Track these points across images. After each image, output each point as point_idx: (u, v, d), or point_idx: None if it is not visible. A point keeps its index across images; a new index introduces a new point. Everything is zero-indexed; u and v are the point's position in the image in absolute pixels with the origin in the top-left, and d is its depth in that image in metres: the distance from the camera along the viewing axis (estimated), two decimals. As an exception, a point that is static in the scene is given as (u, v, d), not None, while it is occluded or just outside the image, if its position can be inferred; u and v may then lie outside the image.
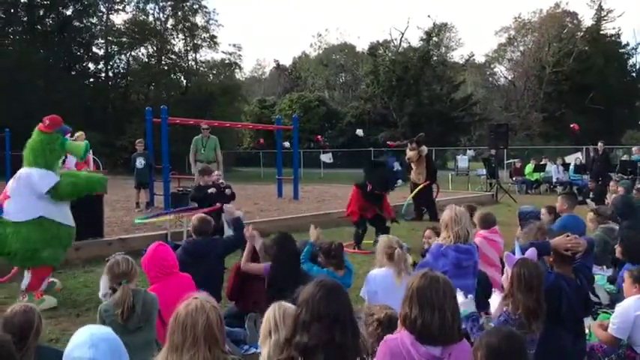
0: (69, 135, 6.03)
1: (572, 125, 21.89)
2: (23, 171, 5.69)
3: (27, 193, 5.57)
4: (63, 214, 5.81)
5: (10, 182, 5.72)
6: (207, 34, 42.48)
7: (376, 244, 4.57)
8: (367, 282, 4.22)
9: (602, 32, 44.88)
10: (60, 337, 4.62)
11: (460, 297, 3.33)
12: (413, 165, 12.06)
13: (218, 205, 7.51)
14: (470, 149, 25.54)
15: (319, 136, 32.94)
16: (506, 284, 3.26)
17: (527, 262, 3.19)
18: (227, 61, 44.23)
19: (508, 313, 3.11)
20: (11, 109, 29.55)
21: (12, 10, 35.47)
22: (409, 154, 11.95)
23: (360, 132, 23.35)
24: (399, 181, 8.89)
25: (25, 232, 5.48)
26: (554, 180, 19.14)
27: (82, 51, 39.43)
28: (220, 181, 8.78)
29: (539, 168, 19.90)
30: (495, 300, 3.53)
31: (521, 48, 49.58)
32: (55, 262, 5.90)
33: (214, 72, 44.66)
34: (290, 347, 2.31)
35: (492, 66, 55.81)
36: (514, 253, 3.41)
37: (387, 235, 4.43)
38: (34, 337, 2.68)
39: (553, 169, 19.29)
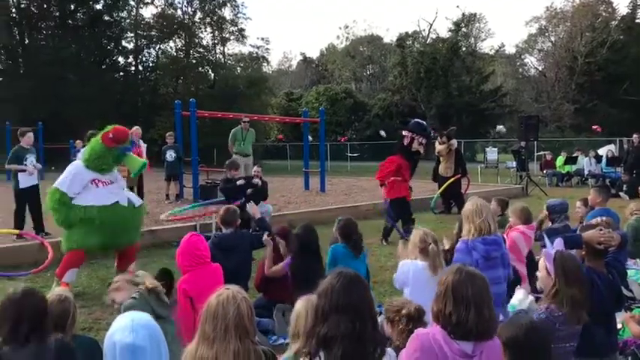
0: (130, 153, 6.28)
1: (594, 127, 21.56)
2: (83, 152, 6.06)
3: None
4: (94, 198, 5.87)
5: None
6: (235, 28, 42.74)
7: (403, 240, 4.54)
8: (402, 270, 4.17)
9: (637, 21, 43.67)
10: (92, 326, 4.73)
11: (520, 294, 3.31)
12: (442, 158, 11.96)
13: (244, 199, 7.57)
14: (501, 125, 25.11)
15: (344, 137, 32.80)
16: (547, 282, 3.17)
17: (565, 254, 3.13)
18: (254, 55, 44.41)
19: (550, 310, 3.02)
20: (44, 104, 30.18)
21: (45, 6, 36.16)
22: (438, 147, 11.85)
23: (383, 133, 23.24)
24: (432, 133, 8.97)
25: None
26: (585, 172, 18.76)
27: (112, 45, 40.05)
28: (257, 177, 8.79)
29: (570, 160, 19.54)
30: (518, 296, 3.46)
31: (553, 38, 48.56)
32: (79, 246, 5.86)
33: (242, 65, 44.90)
34: (311, 338, 2.32)
35: (523, 57, 54.87)
36: (544, 245, 3.35)
37: (422, 228, 4.34)
38: (71, 325, 2.76)
39: (585, 162, 18.91)
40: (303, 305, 2.70)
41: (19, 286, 2.65)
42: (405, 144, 8.69)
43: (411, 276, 4.06)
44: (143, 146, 11.28)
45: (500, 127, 23.12)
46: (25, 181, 8.48)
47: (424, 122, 9.01)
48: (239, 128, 12.42)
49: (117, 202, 5.87)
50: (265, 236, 4.91)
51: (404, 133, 8.75)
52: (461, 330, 2.32)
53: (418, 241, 4.15)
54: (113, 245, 6.18)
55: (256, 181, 8.42)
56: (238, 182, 8.05)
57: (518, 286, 4.76)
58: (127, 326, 2.24)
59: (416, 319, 3.05)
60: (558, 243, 3.29)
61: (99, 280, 6.32)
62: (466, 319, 2.30)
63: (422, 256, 4.10)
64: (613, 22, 43.44)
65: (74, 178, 5.81)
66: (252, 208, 5.87)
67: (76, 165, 6.00)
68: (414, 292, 3.97)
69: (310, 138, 16.80)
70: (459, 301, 2.33)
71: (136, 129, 11.11)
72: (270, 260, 4.79)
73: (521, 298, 3.27)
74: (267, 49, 45.18)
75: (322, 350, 2.25)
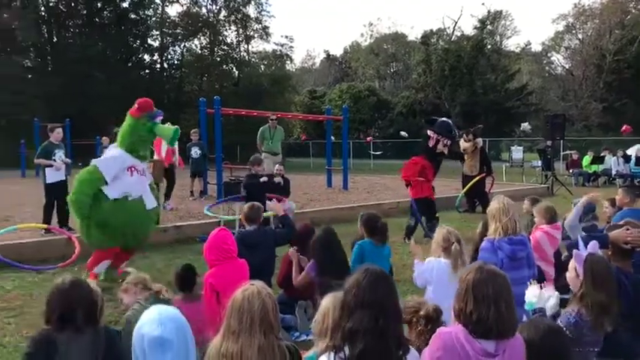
0: (160, 118, 6.13)
1: (623, 128, 21.17)
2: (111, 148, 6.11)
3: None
4: (125, 186, 5.93)
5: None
6: (259, 25, 42.98)
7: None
8: (426, 268, 4.14)
9: (668, 18, 42.74)
10: (119, 320, 4.80)
11: (536, 289, 3.26)
12: (466, 157, 11.85)
13: (270, 195, 7.63)
14: (526, 123, 24.79)
15: (369, 138, 32.61)
16: (575, 283, 3.13)
17: (595, 257, 3.07)
18: (278, 53, 44.56)
19: (580, 314, 2.98)
20: (72, 101, 30.69)
21: (72, 4, 36.75)
22: (464, 145, 11.73)
23: (404, 134, 23.12)
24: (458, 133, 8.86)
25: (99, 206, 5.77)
26: (613, 172, 18.45)
27: (137, 43, 40.58)
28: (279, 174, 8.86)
29: (597, 160, 19.23)
30: (532, 291, 3.40)
31: (580, 36, 47.76)
32: (101, 245, 5.95)
33: (265, 63, 45.10)
34: (337, 333, 2.34)
35: (549, 54, 54.10)
36: (577, 248, 3.28)
37: (445, 227, 4.33)
38: (100, 316, 2.83)
39: (612, 161, 18.58)
40: (330, 302, 2.72)
41: (67, 277, 2.78)
42: (431, 145, 8.63)
43: (434, 274, 4.05)
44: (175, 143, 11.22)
45: (525, 125, 22.79)
46: (52, 176, 8.62)
47: (450, 122, 8.87)
48: (267, 126, 12.34)
49: (141, 196, 5.95)
50: (291, 250, 4.91)
51: (429, 133, 8.64)
52: (481, 328, 2.31)
53: (441, 240, 4.14)
54: (132, 242, 6.25)
55: (278, 179, 8.48)
56: (261, 179, 8.11)
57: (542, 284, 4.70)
58: (154, 319, 2.28)
59: (434, 319, 3.03)
60: (593, 246, 3.22)
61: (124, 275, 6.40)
62: (487, 317, 2.29)
63: (445, 254, 4.09)
64: (643, 19, 42.56)
65: (115, 161, 5.88)
66: (275, 205, 5.90)
67: (117, 150, 6.05)
68: (436, 291, 3.98)
69: (332, 138, 16.78)
70: (480, 299, 2.32)
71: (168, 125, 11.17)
72: (297, 272, 4.80)
73: (536, 293, 3.20)
74: (290, 46, 45.44)
75: (347, 345, 2.27)
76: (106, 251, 5.99)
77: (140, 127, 5.90)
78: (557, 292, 3.31)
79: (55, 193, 8.62)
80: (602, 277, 2.97)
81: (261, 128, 12.53)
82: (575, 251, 3.25)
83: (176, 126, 6.21)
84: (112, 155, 5.99)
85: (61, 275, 2.90)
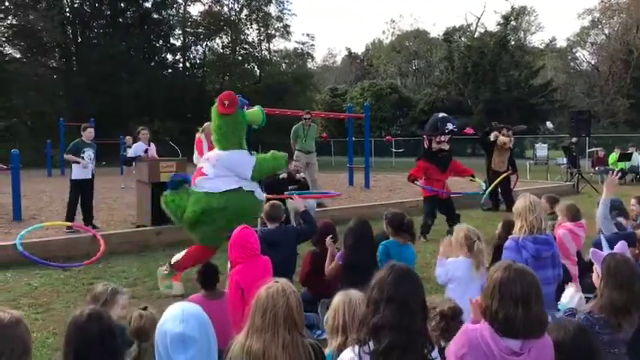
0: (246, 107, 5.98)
1: None
2: (222, 154, 5.59)
3: (223, 174, 5.53)
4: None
5: (205, 163, 5.65)
6: (281, 24, 43.13)
7: (448, 235, 4.49)
8: (448, 266, 4.14)
9: (697, 11, 41.78)
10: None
11: (571, 289, 3.21)
12: (496, 152, 11.69)
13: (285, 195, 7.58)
14: (548, 123, 24.49)
15: (389, 137, 32.46)
16: (597, 283, 3.08)
17: (616, 256, 3.01)
18: (299, 51, 44.64)
19: (591, 312, 2.95)
20: (96, 100, 31.12)
21: (96, 5, 37.24)
22: (503, 139, 11.54)
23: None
24: (450, 125, 8.67)
25: (205, 199, 5.48)
26: (640, 170, 18.13)
27: (160, 42, 41.01)
28: (299, 172, 8.90)
29: (624, 157, 18.89)
30: (568, 293, 3.35)
31: (607, 31, 47.02)
32: (208, 243, 5.76)
33: (287, 61, 45.22)
34: (363, 327, 2.34)
35: (574, 50, 53.31)
36: (600, 248, 3.23)
37: (465, 225, 4.30)
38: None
39: (640, 159, 18.27)
40: (341, 299, 2.73)
41: (85, 310, 2.44)
42: (426, 147, 8.85)
43: (456, 273, 4.04)
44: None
45: (548, 124, 22.54)
46: (79, 173, 8.84)
47: (438, 116, 8.80)
48: (300, 125, 12.13)
49: (241, 187, 5.59)
50: (328, 239, 4.84)
51: (424, 136, 8.97)
52: (508, 327, 2.29)
53: (463, 238, 4.12)
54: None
55: (299, 175, 8.51)
56: (281, 176, 8.12)
57: (570, 283, 4.64)
58: (177, 316, 2.29)
59: (450, 317, 3.02)
60: (621, 246, 3.15)
61: (148, 272, 6.48)
62: (514, 316, 2.26)
63: (467, 252, 4.08)
64: (672, 13, 41.71)
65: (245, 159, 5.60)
66: (296, 201, 5.88)
67: (232, 151, 5.61)
68: (457, 289, 3.97)
69: (354, 139, 16.73)
70: (507, 298, 2.30)
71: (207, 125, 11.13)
72: (330, 261, 4.75)
73: (572, 293, 3.16)
74: (312, 44, 45.48)
75: (372, 339, 2.27)
76: (207, 250, 5.77)
77: (238, 119, 5.69)
78: (580, 293, 3.25)
79: (80, 189, 8.80)
80: (621, 276, 2.89)
81: (294, 127, 12.36)
82: (592, 250, 3.19)
83: (258, 106, 6.04)
84: (241, 158, 5.61)
85: (80, 306, 2.66)
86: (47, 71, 35.57)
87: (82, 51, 36.02)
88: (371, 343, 2.28)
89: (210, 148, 10.54)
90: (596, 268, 3.12)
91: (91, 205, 9.05)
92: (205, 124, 11.04)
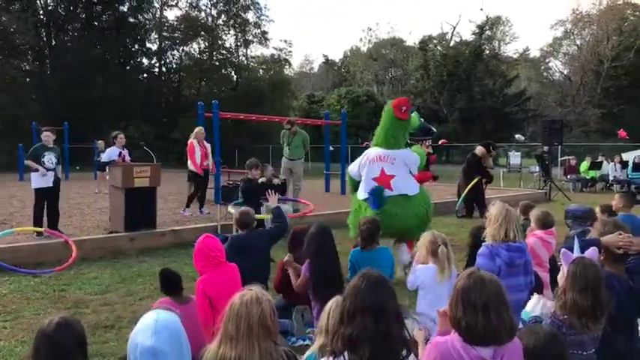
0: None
1: (619, 132, 21.32)
2: (399, 152, 6.33)
3: (406, 172, 6.31)
4: None
5: (382, 165, 6.22)
6: (259, 30, 42.94)
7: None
8: (414, 273, 4.23)
9: (665, 25, 42.88)
10: (114, 324, 4.80)
11: (535, 298, 3.26)
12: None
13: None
14: (519, 134, 24.94)
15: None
16: (562, 283, 3.15)
17: (584, 260, 3.06)
18: (277, 57, 44.57)
19: (555, 315, 3.00)
20: (70, 104, 30.67)
21: (71, 8, 36.74)
22: (489, 163, 11.85)
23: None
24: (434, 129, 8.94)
25: (420, 200, 6.28)
26: (610, 178, 18.49)
27: (136, 46, 40.54)
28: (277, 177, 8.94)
29: (595, 166, 19.27)
30: (531, 302, 3.39)
31: (578, 42, 47.98)
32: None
33: (264, 67, 45.10)
34: (336, 338, 2.34)
35: (547, 60, 54.34)
36: (572, 251, 3.28)
37: (432, 231, 4.36)
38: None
39: (610, 167, 18.64)
40: (334, 301, 2.75)
41: (54, 319, 2.38)
42: None
43: (424, 280, 4.12)
44: (207, 146, 11.16)
45: (518, 136, 22.91)
46: (39, 181, 8.29)
47: (422, 120, 8.99)
48: (285, 131, 12.27)
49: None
50: (285, 259, 4.83)
51: None
52: (470, 335, 2.29)
53: (428, 243, 4.18)
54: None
55: (277, 180, 8.54)
56: (260, 180, 8.13)
57: (534, 294, 4.70)
58: (149, 327, 2.24)
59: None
60: (592, 252, 3.21)
61: (121, 279, 6.40)
62: (474, 324, 2.27)
63: (432, 258, 4.14)
64: (641, 26, 42.75)
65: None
66: (271, 197, 5.88)
67: (409, 150, 6.53)
68: (426, 296, 4.08)
69: (331, 148, 16.78)
70: (467, 306, 2.31)
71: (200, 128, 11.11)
72: (295, 277, 4.74)
73: (533, 303, 3.21)
74: (289, 51, 45.35)
75: (347, 351, 2.26)
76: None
77: (409, 125, 6.50)
78: (543, 300, 3.30)
79: (44, 197, 8.38)
80: (586, 280, 2.95)
81: (282, 132, 12.46)
82: (563, 250, 3.24)
83: (415, 112, 6.77)
84: (415, 157, 6.45)
85: (50, 315, 2.57)
86: (20, 74, 34.89)
87: (56, 54, 35.46)
88: (346, 354, 2.27)
89: (203, 153, 10.63)
90: (563, 268, 3.18)
91: (57, 212, 8.63)
92: (196, 129, 11.02)
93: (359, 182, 6.50)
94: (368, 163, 6.32)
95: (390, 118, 6.32)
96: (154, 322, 2.25)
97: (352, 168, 6.71)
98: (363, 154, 6.55)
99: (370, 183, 6.20)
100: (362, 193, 6.30)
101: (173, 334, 2.26)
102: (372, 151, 6.40)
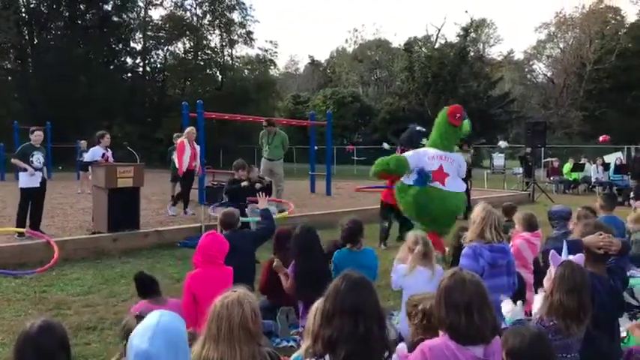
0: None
1: (600, 139, 21.69)
2: (454, 155, 7.28)
3: (456, 173, 7.22)
4: None
5: (441, 162, 7.02)
6: (244, 30, 42.82)
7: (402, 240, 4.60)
8: (397, 273, 4.31)
9: (646, 29, 43.45)
10: (97, 326, 4.74)
11: (509, 304, 3.28)
12: None
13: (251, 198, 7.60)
14: (502, 140, 25.26)
15: (350, 147, 32.76)
16: (548, 285, 3.16)
17: (572, 264, 3.09)
18: (262, 57, 44.48)
19: (541, 321, 3.02)
20: (53, 104, 30.33)
21: (54, 6, 36.34)
22: (468, 158, 11.88)
23: (386, 146, 23.25)
24: (425, 140, 8.98)
25: (459, 199, 7.10)
26: (593, 180, 18.71)
27: (120, 46, 40.22)
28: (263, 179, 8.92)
29: (577, 167, 19.48)
30: (507, 308, 3.42)
31: (562, 45, 48.48)
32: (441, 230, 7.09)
33: (249, 67, 44.99)
34: (317, 340, 2.33)
35: (531, 63, 54.83)
36: (560, 253, 3.30)
37: (415, 231, 4.42)
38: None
39: (592, 169, 18.86)
40: (319, 303, 2.74)
41: (36, 322, 2.35)
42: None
43: (406, 280, 4.18)
44: (197, 147, 11.07)
45: (502, 143, 23.15)
46: (27, 181, 8.24)
47: (415, 129, 9.06)
48: (265, 132, 12.27)
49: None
50: (274, 263, 4.81)
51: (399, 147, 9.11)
52: (456, 335, 2.32)
53: (411, 243, 4.27)
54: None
55: (259, 185, 8.46)
56: (243, 184, 8.07)
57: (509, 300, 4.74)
58: (148, 328, 2.12)
59: (429, 314, 3.05)
60: (578, 258, 3.22)
61: (104, 280, 6.33)
62: (457, 323, 2.30)
63: (420, 260, 4.21)
64: (622, 30, 43.31)
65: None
66: (261, 199, 5.83)
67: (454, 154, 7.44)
68: (409, 294, 4.06)
69: (315, 148, 16.77)
70: (450, 306, 2.34)
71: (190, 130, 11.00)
72: (286, 280, 4.73)
73: (509, 309, 3.24)
74: (275, 51, 45.26)
75: (328, 353, 2.25)
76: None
77: (461, 130, 7.23)
78: (511, 305, 3.33)
79: (29, 198, 8.30)
80: (573, 282, 2.98)
81: (261, 132, 12.43)
82: (552, 252, 3.26)
83: (467, 119, 7.33)
84: (463, 161, 7.46)
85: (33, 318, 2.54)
86: (1, 72, 34.49)
87: (39, 52, 35.04)
88: (327, 356, 2.26)
89: (193, 152, 10.56)
90: (551, 270, 3.20)
91: (40, 214, 8.53)
92: (187, 129, 10.94)
93: (396, 169, 7.20)
94: (427, 160, 7.05)
95: (444, 124, 7.13)
96: (154, 326, 2.16)
97: (412, 156, 7.22)
98: (423, 152, 7.21)
99: (423, 172, 6.97)
100: (408, 179, 7.11)
101: (172, 339, 2.15)
102: (432, 151, 7.14)
